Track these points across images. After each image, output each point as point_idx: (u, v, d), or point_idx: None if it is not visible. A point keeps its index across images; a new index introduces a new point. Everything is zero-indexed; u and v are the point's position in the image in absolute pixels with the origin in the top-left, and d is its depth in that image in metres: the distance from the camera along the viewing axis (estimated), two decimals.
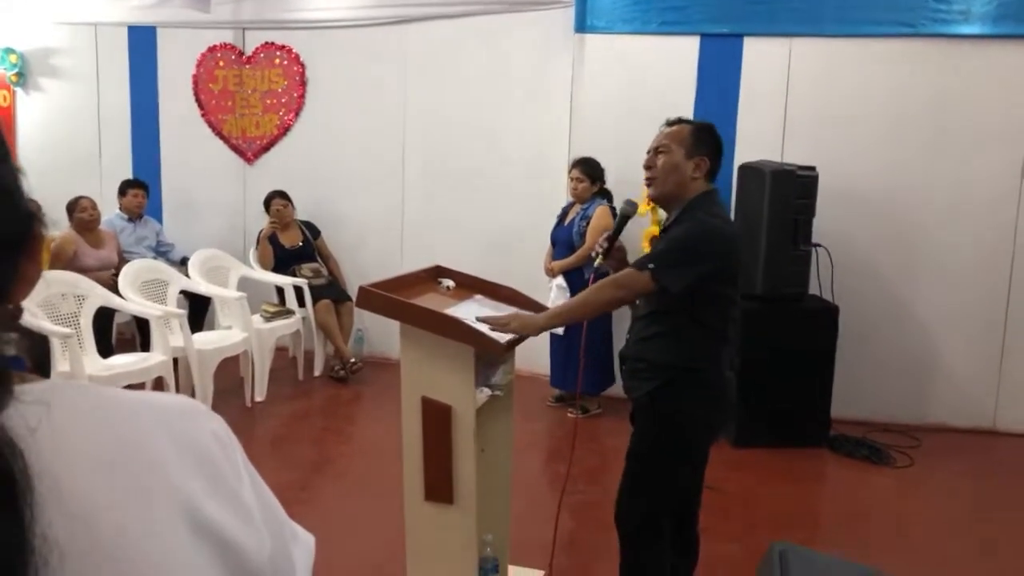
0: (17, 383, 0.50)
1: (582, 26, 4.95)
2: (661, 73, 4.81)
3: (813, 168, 4.32)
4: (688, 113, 4.76)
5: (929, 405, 4.74)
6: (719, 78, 4.80)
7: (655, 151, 2.39)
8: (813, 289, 4.50)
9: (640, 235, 4.50)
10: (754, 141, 4.74)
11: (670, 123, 2.44)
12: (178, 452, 0.57)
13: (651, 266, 2.27)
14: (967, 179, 4.61)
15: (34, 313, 4.00)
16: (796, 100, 4.73)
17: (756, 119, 4.78)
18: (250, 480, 0.63)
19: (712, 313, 2.34)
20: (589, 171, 4.59)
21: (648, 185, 2.43)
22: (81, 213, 5.06)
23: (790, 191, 4.24)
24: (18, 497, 0.45)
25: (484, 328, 2.27)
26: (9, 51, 6.09)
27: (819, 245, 4.42)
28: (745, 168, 4.56)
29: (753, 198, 4.38)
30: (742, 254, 2.46)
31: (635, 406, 2.47)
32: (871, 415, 4.70)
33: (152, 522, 0.53)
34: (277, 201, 5.49)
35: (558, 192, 5.05)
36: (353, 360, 5.27)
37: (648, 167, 2.40)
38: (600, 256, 2.46)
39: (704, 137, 2.39)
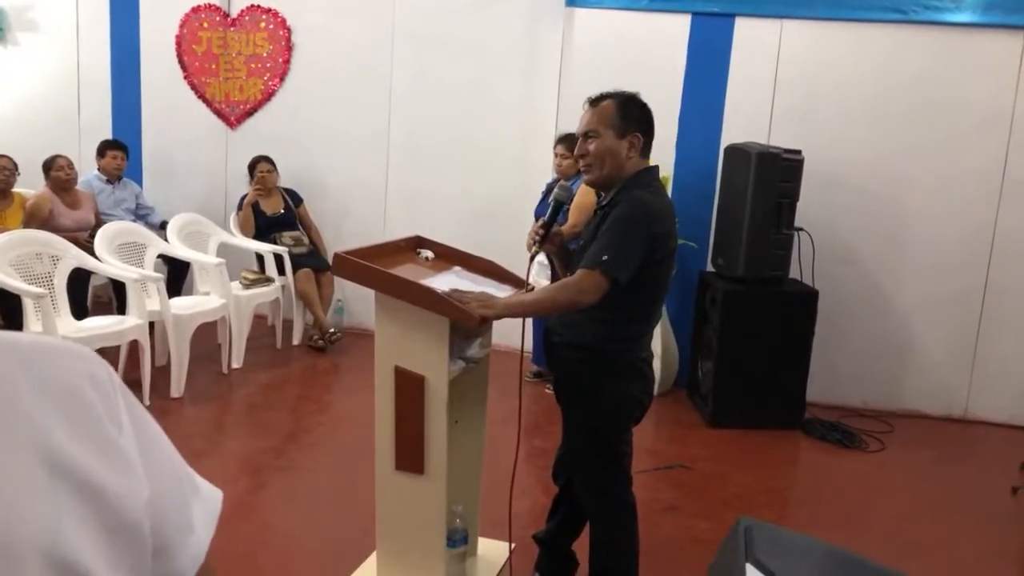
0: None
1: (573, 0, 4.90)
2: (651, 51, 4.77)
3: (799, 152, 4.32)
4: (676, 92, 4.75)
5: (903, 392, 4.79)
6: (709, 57, 4.77)
7: (584, 136, 2.29)
8: (794, 273, 4.51)
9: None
10: (742, 122, 4.72)
11: (592, 101, 2.31)
12: (41, 393, 0.56)
13: (604, 259, 2.16)
14: (950, 169, 4.63)
15: (6, 271, 3.94)
16: (785, 83, 4.72)
17: (744, 100, 4.76)
18: (133, 427, 0.61)
19: (640, 294, 2.26)
20: (573, 147, 4.55)
21: (585, 172, 2.38)
22: (58, 172, 4.98)
23: (775, 174, 4.24)
24: None
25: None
26: None
27: (802, 229, 4.43)
28: (731, 149, 4.55)
29: (738, 179, 4.37)
30: (675, 226, 2.36)
31: (555, 380, 2.50)
32: (846, 400, 4.75)
33: (6, 463, 0.52)
34: (263, 165, 5.42)
35: (544, 166, 5.02)
36: (332, 330, 5.25)
37: (581, 155, 2.30)
38: (536, 244, 2.35)
39: (632, 112, 2.27)
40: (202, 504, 0.67)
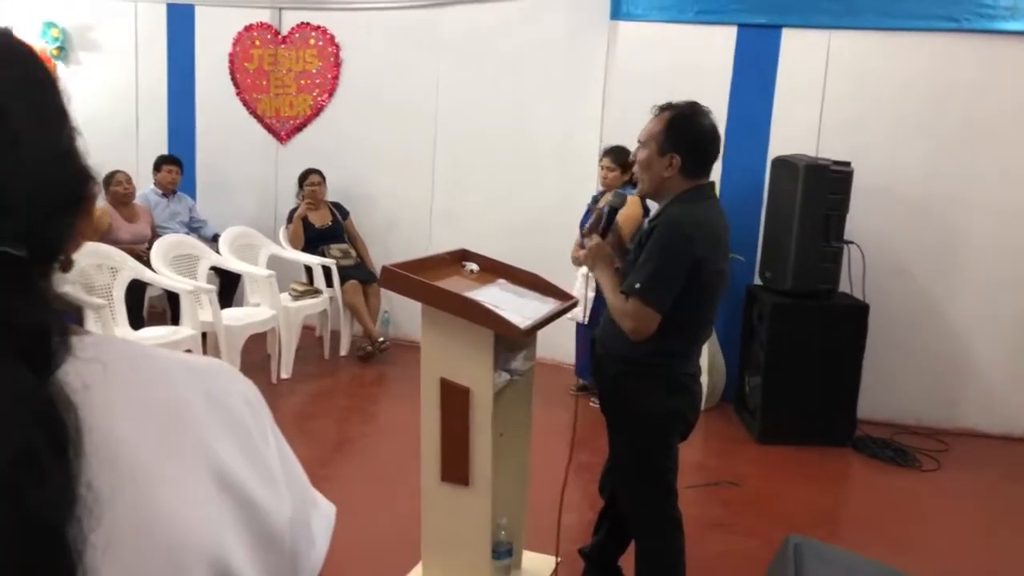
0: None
1: (617, 13, 4.91)
2: (696, 63, 4.75)
3: (848, 164, 4.25)
4: (723, 104, 4.70)
5: (959, 409, 4.66)
6: (755, 69, 4.73)
7: (639, 142, 2.30)
8: (844, 287, 4.43)
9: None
10: (789, 134, 4.67)
11: (656, 109, 2.29)
12: (208, 411, 0.59)
13: (637, 286, 2.16)
14: (1007, 180, 4.50)
15: (69, 283, 4.07)
16: (833, 94, 4.65)
17: (792, 112, 4.70)
18: (276, 444, 0.65)
19: (686, 313, 2.23)
20: (620, 160, 4.54)
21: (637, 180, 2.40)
22: (116, 187, 5.14)
23: (824, 186, 4.18)
24: (69, 450, 0.47)
25: (504, 313, 2.26)
26: (51, 25, 6.18)
27: (851, 242, 4.34)
28: (779, 161, 4.50)
29: (786, 192, 4.32)
30: (723, 247, 2.30)
31: (599, 393, 2.48)
32: (898, 417, 4.63)
33: (184, 475, 0.56)
34: (313, 178, 5.53)
35: (588, 179, 5.02)
36: (381, 339, 5.31)
37: (633, 161, 2.34)
38: (589, 249, 2.37)
39: (679, 132, 2.22)
40: (320, 517, 0.70)
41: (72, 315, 0.55)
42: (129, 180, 5.24)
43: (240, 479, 0.59)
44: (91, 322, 4.06)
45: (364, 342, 5.35)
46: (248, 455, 0.61)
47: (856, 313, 4.33)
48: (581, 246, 4.59)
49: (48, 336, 0.49)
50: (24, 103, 0.54)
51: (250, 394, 0.65)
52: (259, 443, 0.63)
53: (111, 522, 0.49)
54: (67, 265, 0.57)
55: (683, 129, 2.24)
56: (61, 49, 6.25)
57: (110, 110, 6.23)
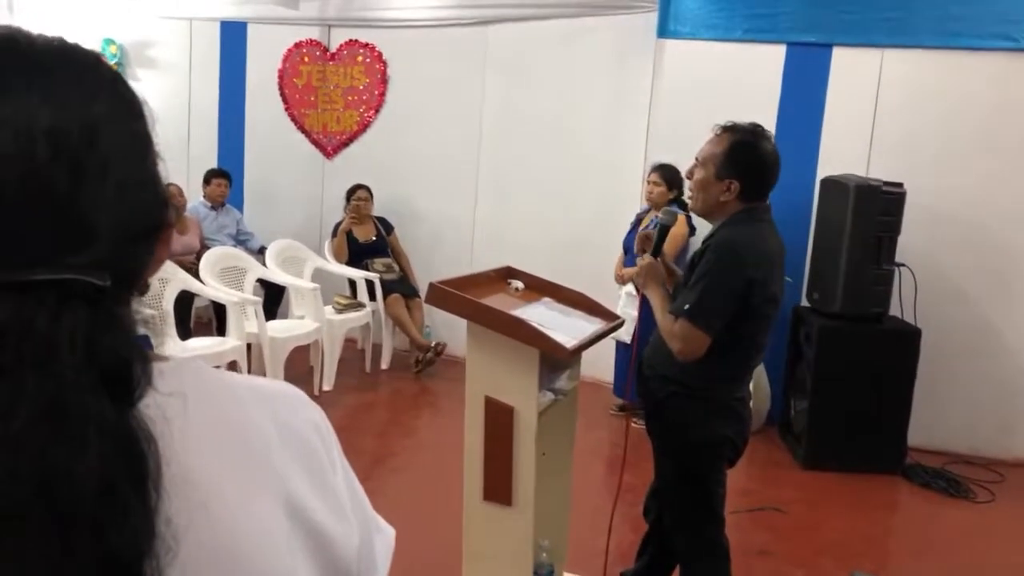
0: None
1: (664, 31, 4.89)
2: (744, 82, 4.70)
3: (900, 185, 4.16)
4: (771, 124, 4.63)
5: (1015, 438, 4.50)
6: (805, 88, 4.66)
7: (696, 161, 2.28)
8: (894, 310, 4.32)
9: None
10: (839, 154, 4.59)
11: (719, 129, 2.27)
12: (281, 439, 0.59)
13: (686, 309, 2.14)
14: None
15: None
16: (885, 113, 4.56)
17: (842, 132, 4.63)
18: (343, 472, 0.65)
19: (738, 337, 2.19)
20: (667, 176, 4.51)
21: (690, 198, 2.37)
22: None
23: (875, 207, 4.09)
24: (149, 485, 0.47)
25: (551, 332, 2.25)
26: (110, 42, 6.38)
27: (903, 265, 4.24)
28: (828, 182, 4.43)
29: (835, 213, 4.24)
30: (778, 270, 2.27)
31: (646, 414, 2.44)
32: (951, 446, 4.49)
33: (258, 507, 0.55)
34: (360, 192, 5.60)
35: (632, 198, 4.99)
36: (435, 343, 5.32)
37: (688, 177, 2.32)
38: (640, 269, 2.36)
39: (739, 157, 2.19)
40: (382, 540, 0.69)
41: (148, 341, 0.55)
42: (181, 192, 5.36)
43: (310, 509, 0.58)
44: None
45: (417, 354, 5.37)
46: (318, 484, 0.60)
47: (907, 337, 4.22)
48: (626, 264, 4.57)
49: (130, 367, 0.49)
50: (114, 128, 0.54)
51: (319, 420, 0.64)
52: (328, 471, 0.62)
53: (186, 555, 0.49)
54: (145, 289, 0.58)
55: (744, 155, 2.21)
56: (119, 66, 6.43)
57: (164, 125, 6.17)
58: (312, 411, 0.64)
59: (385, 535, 0.71)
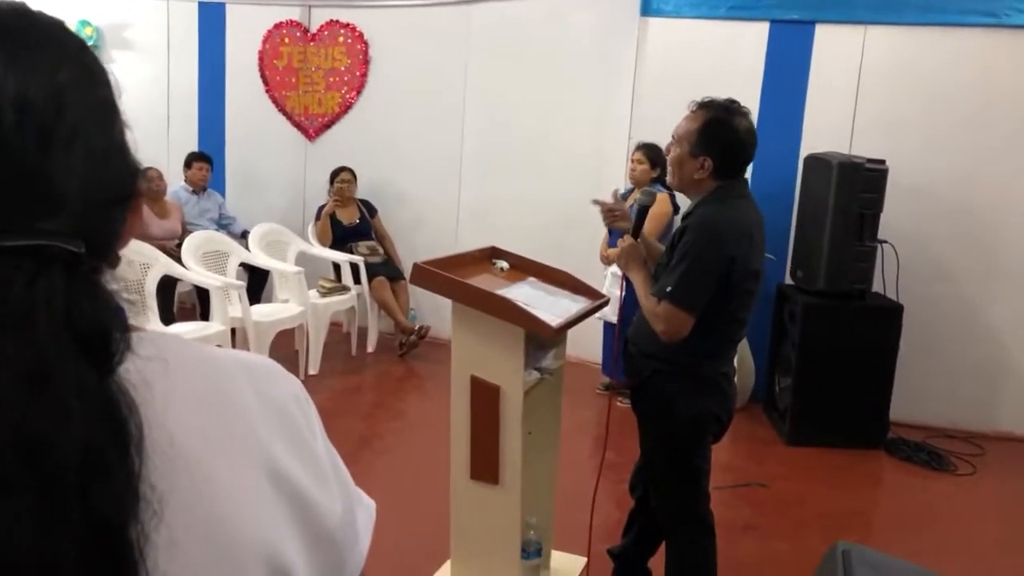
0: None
1: (648, 9, 4.87)
2: (728, 59, 4.70)
3: (883, 162, 4.18)
4: (754, 101, 4.64)
5: (996, 413, 4.56)
6: (788, 66, 4.66)
7: (673, 139, 2.27)
8: (877, 287, 4.36)
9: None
10: (822, 132, 4.60)
11: (693, 106, 2.26)
12: (263, 409, 0.59)
13: (669, 290, 2.14)
14: None
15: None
16: (868, 91, 4.57)
17: (825, 109, 4.63)
18: (324, 443, 0.65)
19: (720, 313, 2.20)
20: (651, 155, 4.50)
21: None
22: (148, 183, 5.20)
23: (857, 184, 4.11)
24: (132, 449, 0.47)
25: (536, 311, 2.25)
26: (85, 23, 6.27)
27: (885, 241, 4.27)
28: (811, 159, 4.44)
29: (818, 190, 4.26)
30: (757, 245, 2.26)
31: (631, 392, 2.44)
32: (933, 420, 4.55)
33: (241, 474, 0.55)
34: (344, 175, 5.56)
35: (616, 177, 4.98)
36: (419, 326, 5.32)
37: (666, 155, 2.32)
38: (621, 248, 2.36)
39: (712, 135, 2.18)
40: (363, 512, 0.70)
41: (124, 310, 0.55)
42: (161, 176, 5.30)
43: (294, 477, 0.59)
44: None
45: (401, 337, 5.36)
46: (300, 453, 0.60)
47: (890, 314, 4.26)
48: (610, 245, 4.56)
49: (109, 333, 0.48)
50: (80, 97, 0.53)
51: (299, 392, 0.65)
52: (309, 440, 0.62)
53: (171, 520, 0.49)
54: (116, 261, 0.57)
55: (718, 132, 2.20)
56: (95, 47, 6.32)
57: (142, 108, 6.29)
58: (292, 383, 0.64)
59: (367, 508, 0.71)
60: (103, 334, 0.48)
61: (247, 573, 0.53)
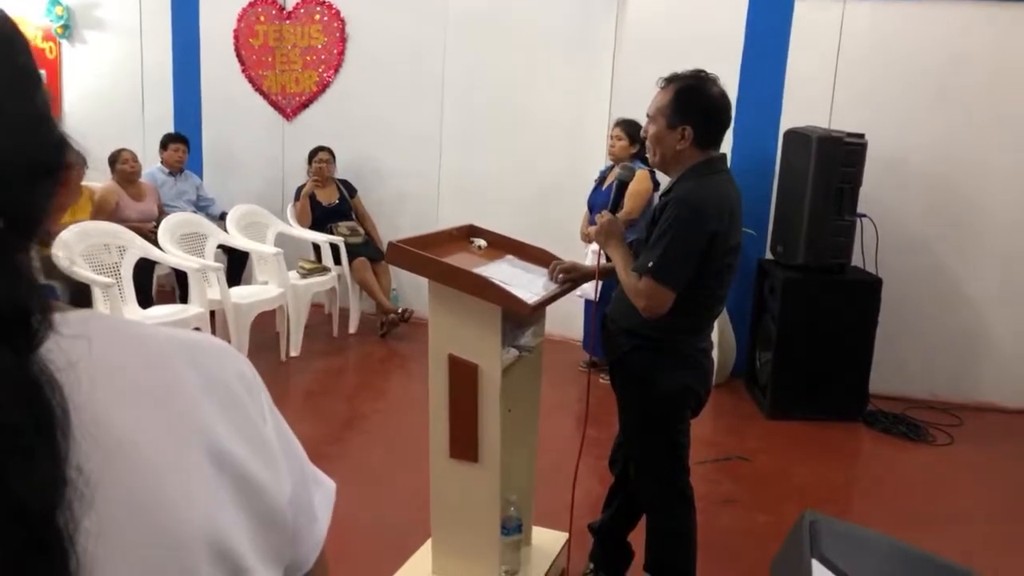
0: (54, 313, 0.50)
1: None
2: (707, 34, 4.67)
3: (862, 136, 4.18)
4: (734, 75, 4.62)
5: (973, 384, 4.62)
6: (767, 40, 4.64)
7: (648, 117, 2.26)
8: (856, 261, 4.38)
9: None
10: (802, 106, 4.59)
11: (662, 82, 2.25)
12: (204, 389, 0.57)
13: (650, 265, 2.14)
14: None
15: (77, 262, 4.07)
16: (847, 64, 4.56)
17: (805, 83, 4.63)
18: (274, 423, 0.63)
19: (699, 288, 2.20)
20: (630, 131, 4.48)
21: (648, 153, 2.35)
22: (123, 165, 5.12)
23: (836, 159, 4.11)
24: (55, 431, 0.45)
25: (513, 289, 2.24)
26: (55, 3, 6.14)
27: (864, 215, 4.29)
28: (791, 133, 4.43)
29: (798, 165, 4.26)
30: (737, 220, 2.25)
31: (610, 368, 2.44)
32: (911, 392, 4.60)
33: (179, 456, 0.54)
34: (322, 155, 5.50)
35: (597, 153, 4.97)
36: (402, 309, 5.30)
37: (644, 136, 2.31)
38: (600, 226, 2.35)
39: (688, 102, 2.17)
40: (321, 492, 0.69)
41: (55, 289, 0.52)
42: (135, 158, 5.22)
43: (237, 458, 0.57)
44: (100, 301, 4.06)
45: (383, 317, 5.34)
46: (245, 433, 0.59)
47: (869, 287, 4.28)
48: (591, 222, 4.56)
49: (28, 314, 0.46)
50: None
51: (245, 371, 0.62)
52: (256, 420, 0.61)
53: (104, 506, 0.47)
54: (48, 239, 0.55)
55: (692, 99, 2.19)
56: (65, 27, 6.21)
57: (115, 88, 6.20)
58: (238, 362, 0.62)
59: (325, 487, 0.70)
60: (21, 314, 0.46)
61: (188, 556, 0.52)
